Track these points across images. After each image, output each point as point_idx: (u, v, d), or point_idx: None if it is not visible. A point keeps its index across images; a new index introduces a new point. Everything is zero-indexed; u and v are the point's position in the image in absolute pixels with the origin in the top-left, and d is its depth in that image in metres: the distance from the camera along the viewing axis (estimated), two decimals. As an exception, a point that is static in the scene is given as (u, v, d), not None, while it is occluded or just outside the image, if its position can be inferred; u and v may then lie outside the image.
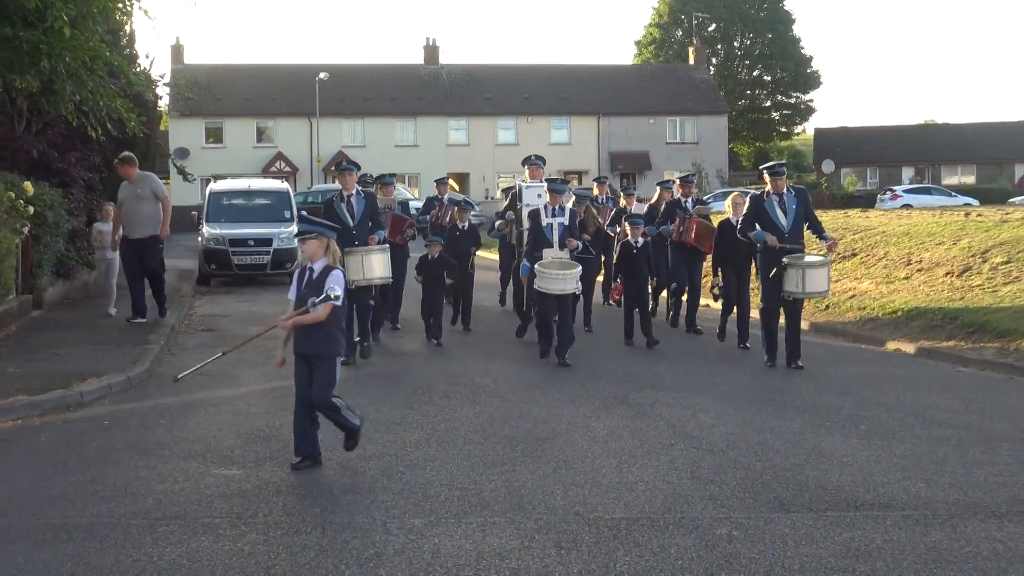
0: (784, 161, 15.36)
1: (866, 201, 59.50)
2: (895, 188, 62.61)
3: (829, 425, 10.63)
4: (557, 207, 14.90)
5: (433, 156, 68.34)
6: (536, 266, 14.49)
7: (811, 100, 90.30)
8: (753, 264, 15.42)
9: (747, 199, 14.87)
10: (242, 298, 22.84)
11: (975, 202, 54.07)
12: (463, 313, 17.79)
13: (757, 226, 14.09)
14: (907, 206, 50.52)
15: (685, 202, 17.67)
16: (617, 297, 16.34)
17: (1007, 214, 26.13)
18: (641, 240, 16.20)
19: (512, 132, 71.39)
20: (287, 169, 67.05)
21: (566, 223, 14.89)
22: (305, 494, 8.16)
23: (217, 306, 21.33)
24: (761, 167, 14.63)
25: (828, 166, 71.00)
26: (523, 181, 16.73)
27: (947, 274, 19.38)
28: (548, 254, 14.71)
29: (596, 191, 21.30)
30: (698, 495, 8.14)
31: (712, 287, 16.61)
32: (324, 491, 8.28)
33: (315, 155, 67.61)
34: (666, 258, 17.74)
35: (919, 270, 20.25)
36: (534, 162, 16.80)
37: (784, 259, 13.75)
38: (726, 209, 16.59)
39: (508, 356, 15.11)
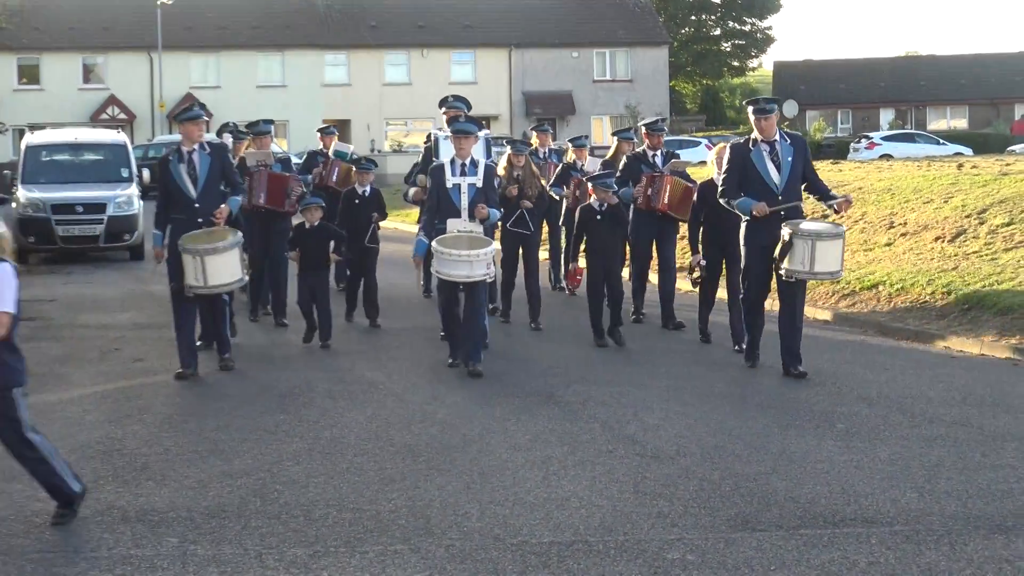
0: (775, 97, 13.54)
1: (837, 151, 60.27)
2: (872, 135, 63.45)
3: (800, 424, 10.79)
4: (468, 161, 13.51)
5: (305, 99, 67.93)
6: (433, 244, 13.17)
7: (769, 28, 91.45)
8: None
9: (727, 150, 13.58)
10: (70, 279, 22.56)
11: (968, 151, 55.12)
12: (366, 303, 16.72)
13: (742, 192, 12.99)
14: (887, 156, 51.28)
15: (653, 156, 16.40)
16: (576, 282, 15.10)
17: (1007, 165, 26.69)
18: (606, 203, 14.86)
19: (403, 69, 71.27)
20: (122, 116, 66.34)
21: (479, 184, 13.49)
22: (158, 520, 8.09)
23: (39, 288, 21.05)
24: (745, 102, 13.65)
25: (791, 108, 71.66)
26: (440, 130, 16.22)
27: (937, 239, 19.72)
28: (453, 226, 13.37)
29: (535, 142, 20.44)
30: (644, 512, 8.22)
31: (692, 268, 15.17)
32: (182, 517, 8.22)
33: (157, 99, 66.90)
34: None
35: (903, 235, 20.58)
36: (453, 104, 16.00)
37: (784, 227, 12.69)
38: (709, 165, 16.33)
39: (407, 348, 15.07)
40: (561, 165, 19.42)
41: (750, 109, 13.08)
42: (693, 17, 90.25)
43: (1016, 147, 56.89)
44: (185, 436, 10.51)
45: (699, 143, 57.61)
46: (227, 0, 71.39)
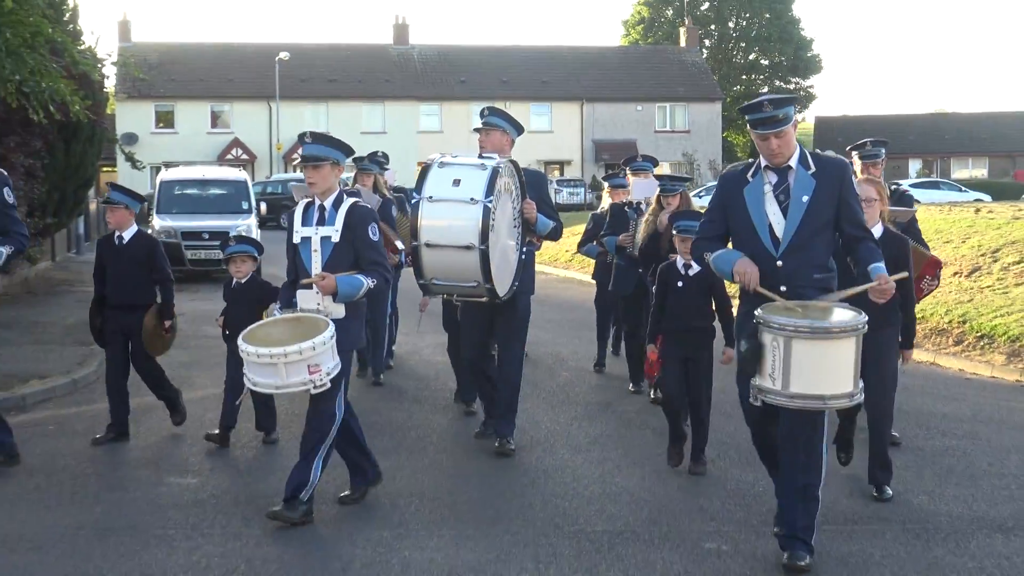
0: (789, 95, 6.96)
1: (869, 196, 59.67)
2: (901, 182, 62.46)
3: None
4: (329, 203, 8.01)
5: (403, 144, 68.15)
6: (240, 340, 7.64)
7: (811, 86, 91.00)
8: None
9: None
10: (196, 296, 22.77)
11: (987, 197, 54.43)
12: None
13: (729, 240, 7.33)
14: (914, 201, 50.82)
15: None
16: (655, 374, 10.42)
17: (1020, 210, 26.33)
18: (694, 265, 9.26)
19: (489, 118, 71.35)
20: (244, 157, 67.01)
21: (335, 237, 7.91)
22: (266, 504, 8.19)
23: (168, 304, 21.26)
24: (739, 108, 7.65)
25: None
26: (442, 156, 9.76)
27: (955, 274, 19.56)
28: (302, 302, 7.90)
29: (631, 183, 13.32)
30: (686, 508, 8.28)
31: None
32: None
33: (275, 142, 67.58)
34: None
35: (925, 270, 20.41)
36: (489, 120, 10.31)
37: (757, 312, 6.75)
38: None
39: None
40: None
41: (748, 120, 6.93)
42: (744, 76, 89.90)
43: (1031, 195, 56.17)
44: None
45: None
46: (335, 57, 72.03)
